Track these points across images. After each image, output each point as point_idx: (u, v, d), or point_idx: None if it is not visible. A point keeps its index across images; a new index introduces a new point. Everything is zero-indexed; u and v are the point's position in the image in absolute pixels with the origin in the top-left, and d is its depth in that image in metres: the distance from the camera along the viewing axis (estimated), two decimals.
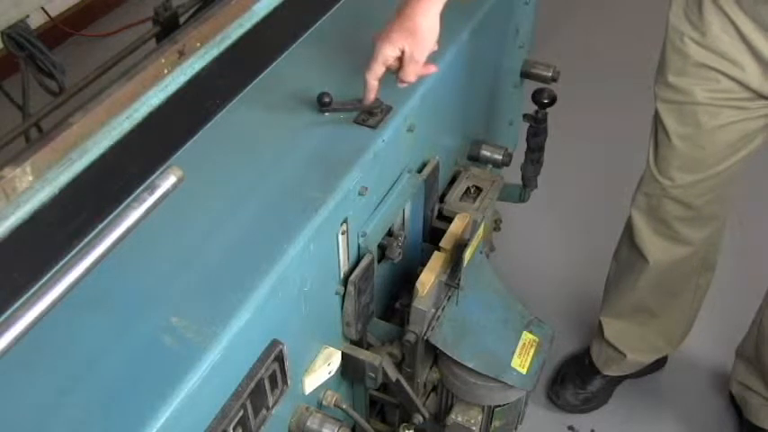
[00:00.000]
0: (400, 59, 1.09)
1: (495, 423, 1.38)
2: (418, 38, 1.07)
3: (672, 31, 1.34)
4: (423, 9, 1.06)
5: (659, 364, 1.94)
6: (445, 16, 1.36)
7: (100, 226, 0.92)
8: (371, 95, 1.11)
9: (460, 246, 1.23)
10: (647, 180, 1.51)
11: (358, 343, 1.20)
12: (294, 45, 1.27)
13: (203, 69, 1.05)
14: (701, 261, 1.66)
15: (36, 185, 0.83)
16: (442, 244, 1.25)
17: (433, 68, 1.13)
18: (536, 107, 1.55)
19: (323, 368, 1.09)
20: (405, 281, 1.33)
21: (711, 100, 1.33)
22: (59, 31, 2.88)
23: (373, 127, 1.12)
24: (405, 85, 1.13)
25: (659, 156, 1.46)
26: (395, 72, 1.11)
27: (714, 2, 1.25)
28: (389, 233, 1.23)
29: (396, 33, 1.07)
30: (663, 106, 1.41)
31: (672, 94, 1.38)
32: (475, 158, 1.54)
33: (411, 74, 1.10)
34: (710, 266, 1.71)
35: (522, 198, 1.76)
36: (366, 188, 1.07)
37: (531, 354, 1.30)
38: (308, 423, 1.07)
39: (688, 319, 1.80)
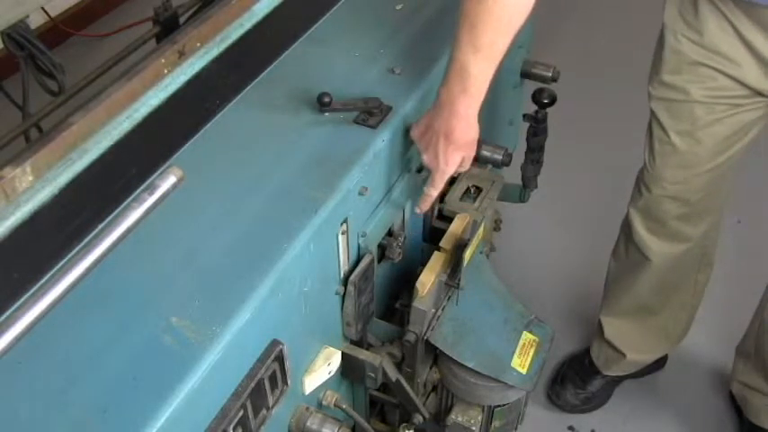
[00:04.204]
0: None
1: (495, 423, 1.38)
2: (472, 146, 1.14)
3: (667, 31, 1.34)
4: (467, 123, 1.08)
5: (659, 363, 1.94)
6: (445, 16, 1.37)
7: (100, 226, 0.92)
8: (428, 208, 1.20)
9: (460, 246, 1.23)
10: (644, 178, 1.51)
11: (358, 343, 1.20)
12: (294, 45, 1.27)
13: (203, 69, 1.05)
14: (700, 257, 1.66)
15: (36, 185, 0.83)
16: (442, 244, 1.25)
17: None
18: (536, 107, 1.55)
19: (323, 368, 1.09)
20: (405, 281, 1.33)
21: (707, 98, 1.34)
22: (59, 31, 2.87)
23: (373, 127, 1.12)
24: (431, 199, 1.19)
25: (656, 153, 1.46)
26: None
27: (710, 1, 1.25)
28: (389, 233, 1.23)
29: (452, 152, 1.10)
30: (658, 104, 1.41)
31: (667, 92, 1.38)
32: (475, 159, 1.53)
33: (468, 166, 1.17)
34: (709, 262, 1.71)
35: (522, 198, 1.76)
36: (366, 188, 1.07)
37: (531, 354, 1.29)
38: (308, 423, 1.07)
39: (688, 316, 1.80)
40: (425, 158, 1.13)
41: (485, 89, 1.06)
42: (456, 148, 1.10)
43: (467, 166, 1.16)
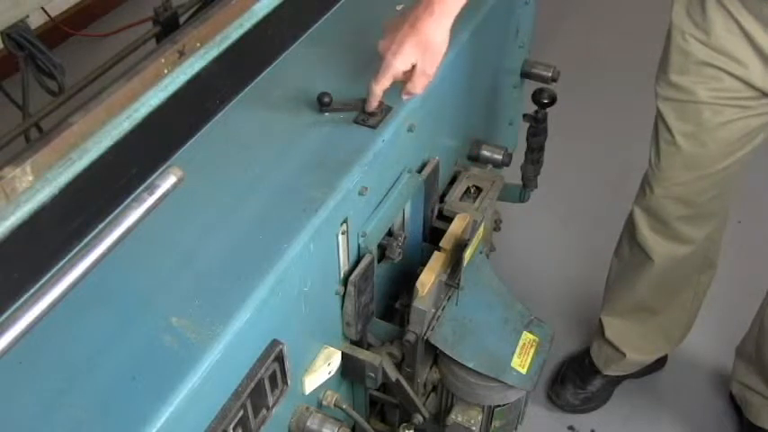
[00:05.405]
0: (407, 72, 1.08)
1: (495, 423, 1.38)
2: (431, 51, 1.06)
3: (674, 30, 1.34)
4: (436, 22, 1.04)
5: (659, 363, 1.94)
6: None
7: (100, 226, 0.92)
8: (375, 104, 1.11)
9: (460, 246, 1.23)
10: (649, 178, 1.51)
11: (358, 343, 1.20)
12: (294, 45, 1.27)
13: (203, 69, 1.05)
14: (703, 259, 1.66)
15: (36, 185, 0.83)
16: (442, 244, 1.25)
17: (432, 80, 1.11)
18: (536, 107, 1.55)
19: (323, 368, 1.09)
20: (405, 281, 1.33)
21: (714, 99, 1.33)
22: (59, 31, 2.88)
23: (373, 127, 1.12)
24: (410, 97, 1.11)
25: (661, 154, 1.46)
26: (400, 83, 1.10)
27: (718, 0, 1.25)
28: (389, 233, 1.23)
29: (408, 47, 1.05)
30: (665, 104, 1.41)
31: (674, 92, 1.38)
32: (475, 158, 1.54)
33: (420, 87, 1.09)
34: (712, 264, 1.71)
35: (522, 198, 1.76)
36: (366, 188, 1.07)
37: (531, 354, 1.29)
38: (308, 423, 1.07)
39: (689, 317, 1.80)
40: (380, 44, 1.08)
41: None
42: (414, 43, 1.04)
43: (419, 83, 1.08)
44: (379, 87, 1.08)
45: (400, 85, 1.19)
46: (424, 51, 1.05)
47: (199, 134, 1.09)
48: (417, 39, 1.04)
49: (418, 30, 1.04)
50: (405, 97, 1.12)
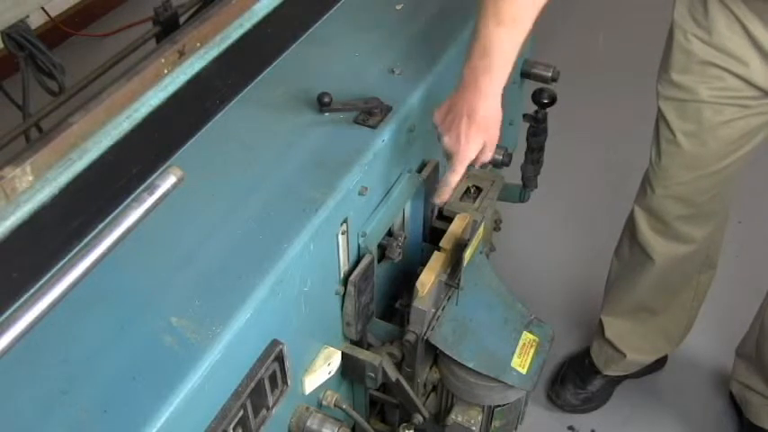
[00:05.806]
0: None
1: (495, 423, 1.38)
2: (493, 127, 1.07)
3: (676, 30, 1.34)
4: (488, 101, 1.04)
5: (659, 363, 1.94)
6: (445, 16, 1.37)
7: (100, 226, 0.92)
8: (448, 196, 1.12)
9: (460, 246, 1.23)
10: (650, 177, 1.51)
11: (358, 343, 1.20)
12: (294, 45, 1.27)
13: (203, 69, 1.05)
14: (703, 259, 1.66)
15: (36, 185, 0.83)
16: (442, 244, 1.25)
17: None
18: (536, 107, 1.55)
19: (323, 368, 1.10)
20: (405, 281, 1.33)
21: (716, 98, 1.33)
22: (59, 31, 2.88)
23: (373, 127, 1.12)
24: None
25: (662, 153, 1.46)
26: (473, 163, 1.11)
27: (720, 0, 1.25)
28: (389, 233, 1.23)
29: (474, 133, 1.05)
30: (666, 104, 1.41)
31: (675, 91, 1.38)
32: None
33: (491, 155, 1.10)
34: (712, 264, 1.71)
35: (522, 198, 1.76)
36: (366, 188, 1.07)
37: (531, 354, 1.29)
38: (308, 423, 1.07)
39: (689, 317, 1.80)
40: (446, 141, 1.08)
41: (510, 65, 1.02)
42: (478, 129, 1.05)
43: (488, 154, 1.10)
44: (456, 179, 1.09)
45: (400, 84, 1.19)
46: (490, 131, 1.07)
47: (199, 134, 1.09)
48: (478, 125, 1.05)
49: (475, 117, 1.04)
50: (477, 166, 1.12)
